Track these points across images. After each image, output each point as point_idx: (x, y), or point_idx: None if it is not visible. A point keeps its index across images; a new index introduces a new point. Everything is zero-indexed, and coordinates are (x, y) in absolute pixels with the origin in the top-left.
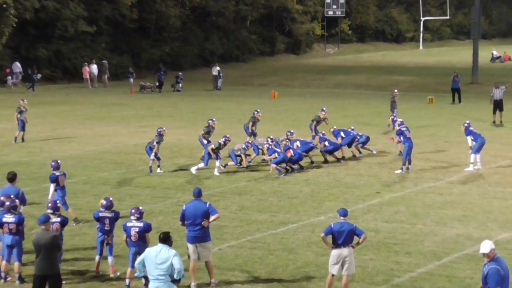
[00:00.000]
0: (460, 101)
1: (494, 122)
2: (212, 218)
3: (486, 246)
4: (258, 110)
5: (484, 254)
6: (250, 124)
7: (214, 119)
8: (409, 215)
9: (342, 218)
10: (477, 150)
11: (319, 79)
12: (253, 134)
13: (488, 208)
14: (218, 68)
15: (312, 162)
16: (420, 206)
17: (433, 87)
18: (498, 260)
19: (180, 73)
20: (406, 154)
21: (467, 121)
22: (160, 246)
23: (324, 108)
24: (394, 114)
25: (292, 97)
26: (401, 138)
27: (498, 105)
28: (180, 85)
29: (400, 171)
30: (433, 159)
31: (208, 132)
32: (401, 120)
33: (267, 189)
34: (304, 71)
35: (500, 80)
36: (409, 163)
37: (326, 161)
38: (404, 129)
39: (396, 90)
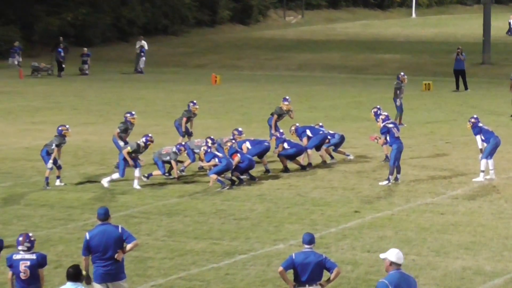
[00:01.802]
0: (466, 88)
1: None
2: (128, 247)
3: (393, 254)
4: (194, 101)
5: (389, 262)
6: (184, 120)
7: (133, 113)
8: (399, 241)
9: (307, 246)
10: (489, 154)
11: (277, 59)
12: (187, 133)
13: (504, 232)
14: (143, 43)
15: (267, 171)
16: (413, 229)
17: (430, 69)
18: (393, 277)
19: (86, 49)
20: (394, 159)
21: (475, 116)
22: (69, 286)
23: (287, 97)
24: (397, 104)
25: (241, 82)
26: (387, 138)
27: None
28: (87, 66)
29: (386, 182)
30: (431, 166)
31: (126, 129)
32: (386, 114)
33: (206, 208)
34: (256, 47)
35: None
36: (398, 172)
37: (286, 169)
38: (391, 126)
39: (402, 73)
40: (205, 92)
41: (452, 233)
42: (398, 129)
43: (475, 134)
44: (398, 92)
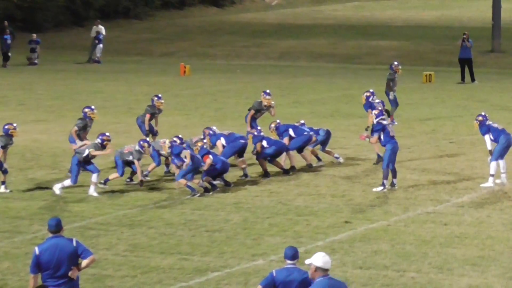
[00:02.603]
0: (473, 79)
1: None
2: (84, 263)
3: (319, 259)
4: (159, 95)
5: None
6: (147, 117)
7: (93, 107)
8: (396, 256)
9: (290, 262)
10: (500, 155)
11: (255, 46)
12: (151, 132)
13: None
14: (100, 28)
15: (244, 175)
16: (412, 242)
17: (432, 58)
18: (320, 285)
19: (35, 35)
20: (387, 161)
21: (483, 113)
22: None
23: (268, 91)
24: (390, 98)
25: (213, 73)
26: (381, 136)
27: None
28: (36, 54)
29: (381, 188)
30: (433, 170)
31: (85, 126)
32: (381, 108)
33: (174, 218)
34: (232, 32)
35: None
36: (394, 176)
37: (266, 174)
38: (385, 122)
39: (396, 62)
40: (172, 84)
41: (457, 247)
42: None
43: (483, 134)
44: (391, 84)
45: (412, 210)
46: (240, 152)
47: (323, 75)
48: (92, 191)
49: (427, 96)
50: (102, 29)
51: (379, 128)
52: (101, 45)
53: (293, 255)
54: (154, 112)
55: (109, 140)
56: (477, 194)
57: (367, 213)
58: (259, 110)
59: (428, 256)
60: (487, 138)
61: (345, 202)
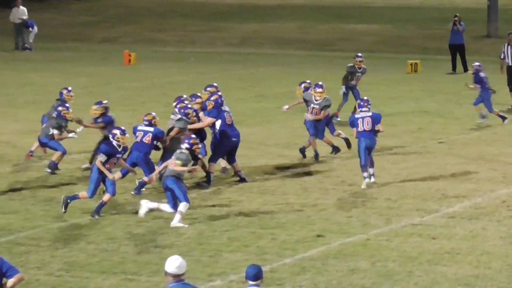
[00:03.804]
0: (466, 69)
1: None
2: (9, 283)
3: (170, 264)
4: (70, 88)
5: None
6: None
7: (69, 88)
8: (377, 276)
9: (252, 283)
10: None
11: (212, 30)
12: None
13: None
14: (22, 9)
15: (208, 181)
16: (396, 259)
17: (418, 44)
18: None
19: None
20: (363, 158)
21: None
22: None
23: (215, 84)
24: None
25: (163, 62)
26: (355, 129)
27: None
28: None
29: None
30: (420, 175)
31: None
32: (366, 98)
33: (117, 232)
34: (185, 15)
35: None
36: (370, 177)
37: (208, 180)
38: (360, 114)
39: (360, 54)
40: (115, 75)
41: (448, 264)
42: (367, 119)
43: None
44: (349, 77)
45: (395, 221)
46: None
47: (291, 65)
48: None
49: (413, 88)
50: (24, 11)
51: (354, 121)
52: (32, 31)
53: (255, 274)
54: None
55: None
56: (470, 203)
57: (343, 226)
58: None
59: (414, 275)
60: None
61: (317, 211)
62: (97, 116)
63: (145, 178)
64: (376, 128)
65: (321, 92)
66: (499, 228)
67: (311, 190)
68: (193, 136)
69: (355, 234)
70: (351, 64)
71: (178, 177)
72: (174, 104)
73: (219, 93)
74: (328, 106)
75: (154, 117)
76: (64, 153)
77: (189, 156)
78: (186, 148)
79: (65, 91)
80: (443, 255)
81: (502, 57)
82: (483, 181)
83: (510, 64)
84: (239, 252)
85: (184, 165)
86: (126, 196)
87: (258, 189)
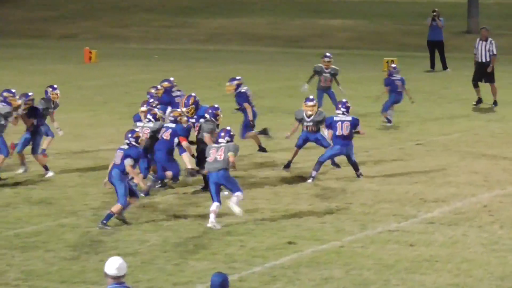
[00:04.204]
0: (445, 66)
1: (478, 100)
2: None
3: (110, 265)
4: (55, 86)
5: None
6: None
7: (55, 86)
8: (352, 285)
9: None
10: None
11: (178, 26)
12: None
13: (499, 270)
14: None
15: (164, 185)
16: (371, 267)
17: (394, 40)
18: None
19: None
20: (328, 156)
21: None
22: None
23: (171, 78)
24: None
25: (126, 60)
26: (331, 132)
27: (484, 71)
28: None
29: (310, 180)
30: (397, 178)
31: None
32: (346, 101)
33: (77, 239)
34: (149, 9)
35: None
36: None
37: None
38: (339, 117)
39: (328, 54)
40: (75, 73)
41: (427, 272)
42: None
43: None
44: (314, 76)
45: (371, 227)
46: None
47: (261, 62)
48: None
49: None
50: None
51: (330, 123)
52: None
53: (221, 283)
54: (48, 106)
55: None
56: (450, 208)
57: (315, 232)
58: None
59: (390, 284)
60: None
61: (289, 218)
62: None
63: (168, 173)
64: (357, 130)
65: (312, 106)
66: (480, 234)
67: (282, 194)
68: (230, 128)
69: (328, 241)
70: (319, 64)
71: (228, 169)
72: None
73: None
74: (322, 121)
75: (180, 114)
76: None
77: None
78: (228, 141)
79: (50, 89)
80: (421, 263)
81: (475, 52)
82: (464, 185)
83: (479, 61)
84: (206, 260)
85: (235, 155)
86: (87, 201)
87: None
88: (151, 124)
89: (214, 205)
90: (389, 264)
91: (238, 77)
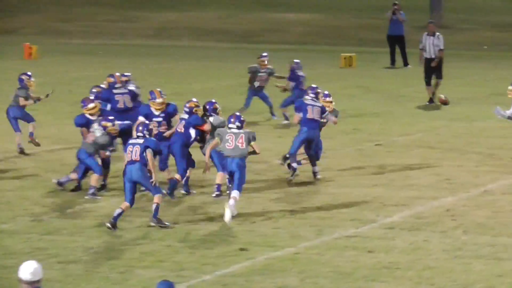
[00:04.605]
0: (406, 63)
1: (430, 99)
2: None
3: (24, 269)
4: (29, 73)
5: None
6: (23, 101)
7: (29, 73)
8: None
9: None
10: None
11: (124, 20)
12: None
13: (462, 278)
14: None
15: (103, 186)
16: (328, 275)
17: (352, 35)
18: None
19: None
20: (298, 144)
21: None
22: None
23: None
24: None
25: (69, 56)
26: (300, 115)
27: (432, 67)
28: None
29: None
30: (355, 180)
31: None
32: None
33: (16, 246)
34: (93, 2)
35: (478, 18)
36: (294, 168)
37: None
38: (310, 101)
39: (264, 54)
40: (14, 70)
41: (386, 280)
42: (316, 107)
43: None
44: (252, 78)
45: (327, 233)
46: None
47: (212, 58)
48: None
49: (347, 85)
50: None
51: (300, 106)
52: None
53: None
54: (27, 96)
55: None
56: (411, 212)
57: (269, 238)
58: None
59: None
60: None
61: (240, 223)
62: None
63: (177, 176)
64: (325, 120)
65: (329, 102)
66: (442, 240)
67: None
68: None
69: (282, 247)
70: (254, 65)
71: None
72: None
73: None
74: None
75: (197, 105)
76: None
77: None
78: (238, 126)
79: (25, 77)
80: (380, 270)
81: (420, 47)
82: (425, 188)
83: (428, 57)
84: (154, 268)
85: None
86: (26, 206)
87: (175, 200)
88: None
89: (235, 193)
90: (346, 271)
91: (127, 74)
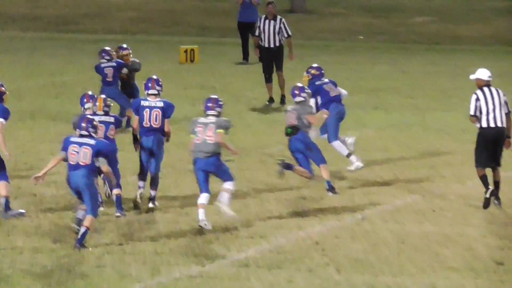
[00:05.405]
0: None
1: (270, 98)
2: None
3: None
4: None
5: None
6: None
7: None
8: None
9: None
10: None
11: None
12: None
13: None
14: None
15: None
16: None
17: (193, 22)
18: None
19: None
20: (333, 129)
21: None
22: None
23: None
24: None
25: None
26: (319, 100)
27: (274, 58)
28: None
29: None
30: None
31: None
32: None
33: None
34: None
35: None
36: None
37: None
38: (320, 83)
39: (125, 46)
40: None
41: None
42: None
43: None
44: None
45: (165, 272)
46: None
47: (17, 52)
48: None
49: (188, 85)
50: None
51: (316, 89)
52: None
53: None
54: None
55: None
56: (270, 246)
57: (91, 279)
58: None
59: None
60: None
61: (54, 260)
62: None
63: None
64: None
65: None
66: (310, 280)
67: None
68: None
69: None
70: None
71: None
72: None
73: None
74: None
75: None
76: None
77: None
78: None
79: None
80: None
81: (257, 33)
82: (288, 215)
83: (267, 46)
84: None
85: (226, 133)
86: None
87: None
88: None
89: (203, 197)
90: None
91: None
